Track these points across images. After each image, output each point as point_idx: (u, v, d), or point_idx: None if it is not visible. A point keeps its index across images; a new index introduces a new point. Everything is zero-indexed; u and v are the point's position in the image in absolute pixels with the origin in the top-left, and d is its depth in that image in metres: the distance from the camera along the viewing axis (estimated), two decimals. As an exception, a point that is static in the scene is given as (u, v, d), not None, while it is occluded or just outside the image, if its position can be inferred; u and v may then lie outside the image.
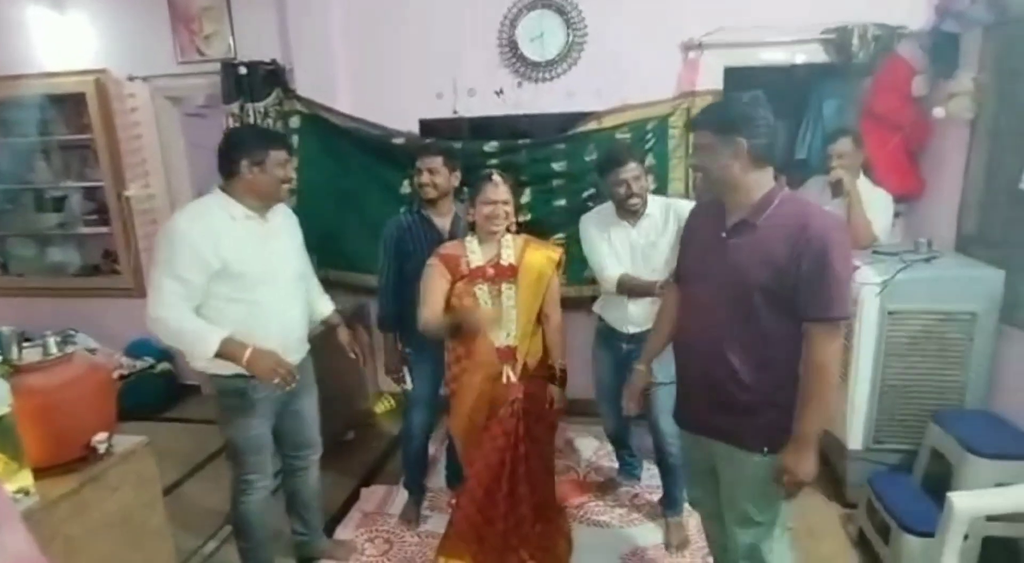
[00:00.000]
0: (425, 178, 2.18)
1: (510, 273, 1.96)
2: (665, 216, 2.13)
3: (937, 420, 2.17)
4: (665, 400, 1.94)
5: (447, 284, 1.95)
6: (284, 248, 1.89)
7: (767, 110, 1.40)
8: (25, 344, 1.57)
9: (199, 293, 1.69)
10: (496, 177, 1.96)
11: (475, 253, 1.97)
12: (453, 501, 2.50)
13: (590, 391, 2.41)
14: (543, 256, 2.02)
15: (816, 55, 2.66)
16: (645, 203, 2.11)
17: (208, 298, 1.71)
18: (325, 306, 2.14)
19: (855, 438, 2.36)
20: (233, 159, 1.75)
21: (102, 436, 1.63)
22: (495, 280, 1.95)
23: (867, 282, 2.23)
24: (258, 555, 2.01)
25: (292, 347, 1.89)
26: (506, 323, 1.95)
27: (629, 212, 2.12)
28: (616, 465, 2.66)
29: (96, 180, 3.29)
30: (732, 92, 2.62)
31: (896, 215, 2.76)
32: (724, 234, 1.45)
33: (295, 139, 2.91)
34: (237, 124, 2.87)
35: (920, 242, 2.36)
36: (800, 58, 2.68)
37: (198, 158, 3.22)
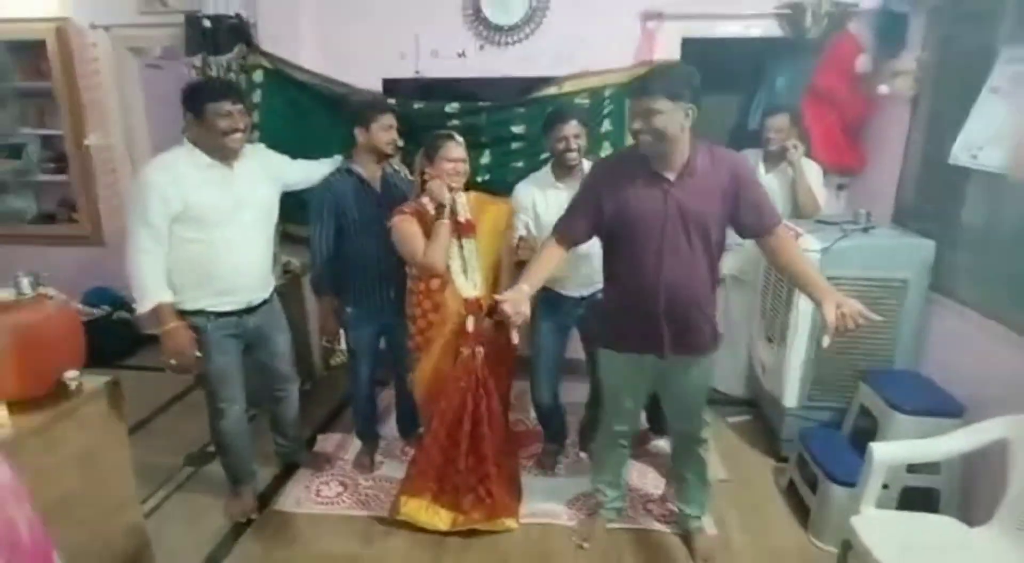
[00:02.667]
0: (390, 135, 2.21)
1: (469, 229, 2.04)
2: None
3: (866, 380, 2.28)
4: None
5: (421, 231, 2.03)
6: (246, 191, 1.98)
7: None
8: None
9: (167, 237, 1.85)
10: (458, 137, 2.06)
11: (434, 211, 2.04)
12: (406, 449, 2.62)
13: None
14: (496, 209, 2.13)
15: (771, 30, 2.73)
16: (580, 160, 2.17)
17: (171, 238, 1.86)
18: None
19: (791, 397, 2.45)
20: (184, 113, 1.88)
21: (73, 373, 1.69)
22: (456, 235, 2.03)
23: (809, 249, 2.31)
24: (237, 466, 2.24)
25: (250, 286, 2.04)
26: (471, 275, 2.03)
27: (565, 168, 2.18)
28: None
29: (55, 128, 3.26)
30: (686, 62, 2.69)
31: (840, 187, 2.87)
32: (667, 184, 1.66)
33: (258, 93, 2.90)
34: (200, 77, 2.85)
35: (860, 213, 2.46)
36: (755, 32, 2.75)
37: (156, 109, 3.20)
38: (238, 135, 1.90)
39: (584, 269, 2.24)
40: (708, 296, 1.77)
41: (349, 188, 2.22)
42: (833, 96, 2.71)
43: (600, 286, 2.22)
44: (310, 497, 2.36)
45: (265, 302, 2.13)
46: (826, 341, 1.54)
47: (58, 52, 3.11)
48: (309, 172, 2.26)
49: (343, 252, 2.24)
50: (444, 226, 2.00)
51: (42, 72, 3.19)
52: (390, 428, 2.72)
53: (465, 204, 2.08)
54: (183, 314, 1.94)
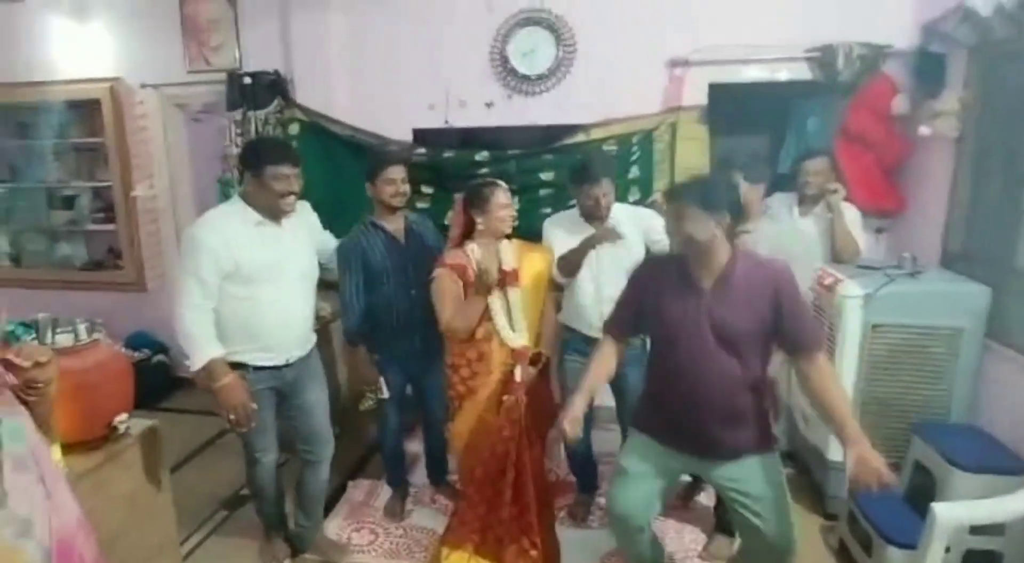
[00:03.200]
0: (398, 188, 2.22)
1: (513, 278, 2.04)
2: (631, 221, 2.19)
3: (920, 433, 2.15)
4: None
5: (459, 289, 2.03)
6: (291, 248, 2.01)
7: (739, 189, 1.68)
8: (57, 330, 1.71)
9: (217, 292, 1.87)
10: (502, 183, 2.09)
11: (480, 260, 2.05)
12: (435, 496, 2.59)
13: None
14: (539, 257, 2.13)
15: (800, 73, 2.70)
16: (608, 213, 2.18)
17: (220, 294, 1.88)
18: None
19: (836, 449, 2.31)
20: (241, 170, 1.95)
21: (123, 416, 1.76)
22: (501, 285, 2.02)
23: (850, 295, 2.23)
24: (270, 514, 2.25)
25: (293, 343, 2.04)
26: (517, 325, 2.02)
27: (595, 217, 2.18)
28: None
29: (105, 180, 3.43)
30: (715, 106, 2.69)
31: (879, 231, 2.76)
32: (702, 292, 1.62)
33: (294, 145, 3.01)
34: (238, 130, 2.98)
35: (904, 257, 2.36)
36: (784, 75, 2.72)
37: (198, 161, 3.35)
38: (292, 198, 1.93)
39: (607, 309, 2.21)
40: (748, 402, 1.65)
41: (374, 240, 2.25)
42: (868, 138, 2.64)
43: None
44: (340, 544, 2.32)
45: (304, 355, 2.12)
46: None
47: (111, 109, 3.30)
48: (329, 245, 2.29)
49: (370, 302, 2.26)
50: (479, 301, 1.99)
51: (95, 128, 3.39)
52: (419, 475, 2.69)
53: (508, 251, 2.08)
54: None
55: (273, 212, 1.92)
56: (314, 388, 2.15)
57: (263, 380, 1.99)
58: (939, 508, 1.66)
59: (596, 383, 1.79)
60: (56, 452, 1.55)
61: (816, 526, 2.36)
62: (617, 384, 2.22)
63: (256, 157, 1.91)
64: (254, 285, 1.90)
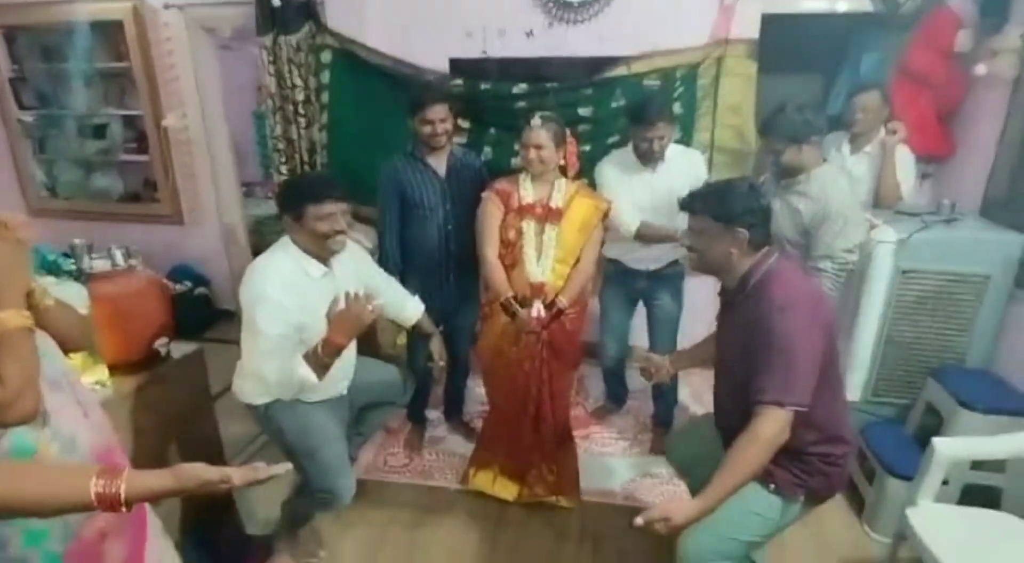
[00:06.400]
0: (437, 128, 2.17)
1: (556, 216, 2.07)
2: (685, 165, 2.20)
3: (936, 376, 2.25)
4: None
5: (500, 215, 2.10)
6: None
7: (765, 195, 1.45)
8: (93, 256, 1.77)
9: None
10: (536, 121, 2.02)
11: (527, 190, 2.10)
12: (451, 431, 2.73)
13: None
14: (591, 205, 2.12)
15: (860, 4, 2.55)
16: (663, 156, 2.20)
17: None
18: (413, 310, 2.11)
19: (854, 390, 2.44)
20: (280, 213, 1.75)
21: (163, 339, 1.86)
22: (540, 219, 2.07)
23: (884, 240, 2.25)
24: None
25: (341, 382, 1.94)
26: (543, 261, 2.08)
27: (648, 160, 2.20)
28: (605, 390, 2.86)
29: (135, 109, 3.38)
30: (765, 40, 2.57)
31: (924, 176, 2.73)
32: (723, 309, 1.55)
33: (326, 74, 2.94)
34: (270, 57, 2.90)
35: (943, 204, 2.36)
36: (843, 6, 2.57)
37: (231, 91, 3.28)
38: (341, 237, 1.74)
39: (655, 247, 2.30)
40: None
41: (413, 173, 2.25)
42: (927, 77, 2.53)
43: (668, 261, 2.36)
44: (378, 466, 2.54)
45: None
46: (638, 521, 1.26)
47: (135, 31, 3.19)
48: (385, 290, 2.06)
49: (405, 236, 2.30)
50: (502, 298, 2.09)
51: (120, 53, 3.29)
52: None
53: (562, 190, 2.09)
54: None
55: (322, 255, 1.76)
56: (368, 389, 2.06)
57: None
58: (939, 442, 1.75)
59: (691, 360, 1.87)
60: (102, 371, 1.67)
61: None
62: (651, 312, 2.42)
63: (294, 198, 1.71)
64: (309, 337, 1.69)
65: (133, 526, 1.17)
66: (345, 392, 1.97)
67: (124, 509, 0.88)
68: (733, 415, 1.46)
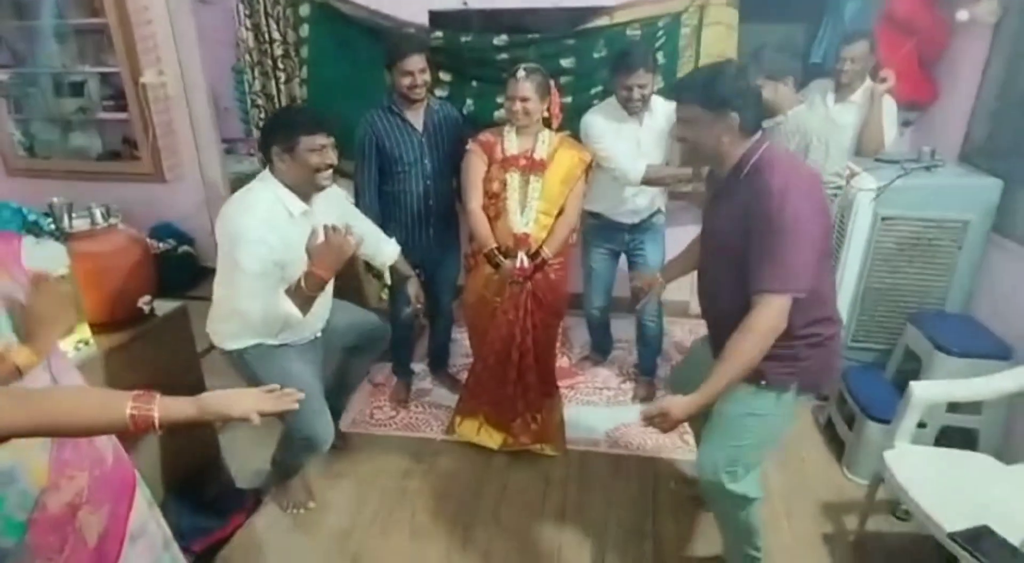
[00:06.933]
0: (416, 79, 2.14)
1: (540, 167, 2.07)
2: (668, 116, 2.18)
3: (914, 321, 2.27)
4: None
5: (484, 167, 2.10)
6: None
7: (752, 78, 1.46)
8: (73, 215, 1.73)
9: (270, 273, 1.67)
10: (520, 73, 2.01)
11: (511, 142, 2.10)
12: (434, 383, 2.75)
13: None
14: (575, 156, 2.13)
15: (843, -50, 2.54)
16: (646, 105, 2.20)
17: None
18: (389, 252, 2.10)
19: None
20: (266, 145, 1.70)
21: (146, 297, 1.84)
22: (524, 170, 2.07)
23: (863, 188, 2.26)
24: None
25: (317, 323, 1.92)
26: (527, 212, 2.08)
27: (631, 109, 2.19)
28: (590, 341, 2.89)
29: (112, 66, 3.31)
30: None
31: (906, 124, 2.73)
32: (712, 194, 1.52)
33: (305, 28, 2.89)
34: (247, 11, 2.85)
35: (923, 151, 2.36)
36: (825, -48, 2.56)
37: (209, 47, 3.21)
38: (329, 172, 1.71)
39: (640, 199, 2.32)
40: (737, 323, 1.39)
41: (390, 127, 2.23)
42: (911, 24, 2.52)
43: (649, 214, 2.39)
44: (365, 419, 2.54)
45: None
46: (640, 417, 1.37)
47: (109, -15, 3.11)
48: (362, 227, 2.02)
49: (384, 190, 2.28)
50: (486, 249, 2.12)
51: (96, 9, 3.22)
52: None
53: (546, 142, 2.09)
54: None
55: (308, 189, 1.72)
56: (347, 332, 2.04)
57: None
58: (916, 386, 1.77)
59: (679, 269, 1.85)
60: (84, 330, 1.65)
61: (808, 405, 2.54)
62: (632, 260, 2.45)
63: (286, 128, 1.67)
64: (290, 274, 1.68)
65: (113, 497, 1.16)
66: (320, 334, 1.96)
67: (158, 431, 0.96)
68: (720, 304, 1.48)
